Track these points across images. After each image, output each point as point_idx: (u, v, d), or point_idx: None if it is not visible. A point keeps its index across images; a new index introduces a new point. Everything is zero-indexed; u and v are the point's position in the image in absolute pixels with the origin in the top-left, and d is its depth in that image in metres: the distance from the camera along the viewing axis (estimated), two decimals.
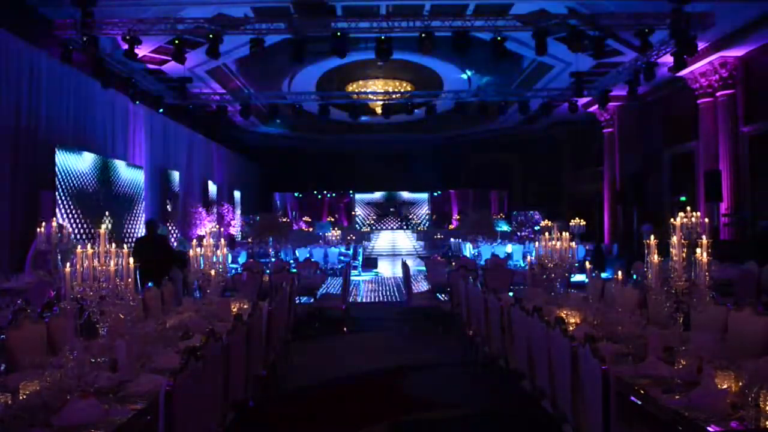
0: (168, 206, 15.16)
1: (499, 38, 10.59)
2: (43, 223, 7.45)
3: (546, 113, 16.90)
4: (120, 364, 3.23)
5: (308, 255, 14.83)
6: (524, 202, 26.85)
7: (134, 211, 12.93)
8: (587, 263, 6.55)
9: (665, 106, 16.30)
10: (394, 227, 30.48)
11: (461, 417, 5.04)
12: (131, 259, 3.92)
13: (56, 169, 9.65)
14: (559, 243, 5.77)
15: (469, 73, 15.81)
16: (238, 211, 21.95)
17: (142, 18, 10.26)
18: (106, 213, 9.94)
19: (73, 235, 8.63)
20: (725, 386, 2.69)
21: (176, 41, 10.55)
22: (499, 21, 10.47)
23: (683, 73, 13.03)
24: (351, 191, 30.71)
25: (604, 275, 8.18)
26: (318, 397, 5.69)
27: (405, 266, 9.38)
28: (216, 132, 20.59)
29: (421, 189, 30.43)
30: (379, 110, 17.87)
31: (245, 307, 5.15)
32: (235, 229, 20.18)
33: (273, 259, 13.85)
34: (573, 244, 6.02)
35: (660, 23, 10.23)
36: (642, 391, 2.91)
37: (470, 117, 18.62)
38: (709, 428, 2.41)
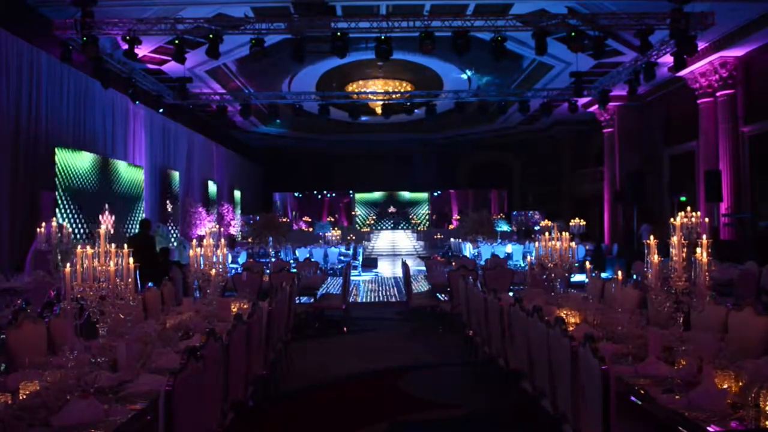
0: (168, 206, 15.15)
1: (499, 38, 10.60)
2: (43, 223, 7.47)
3: (546, 113, 16.90)
4: (120, 364, 3.23)
5: (308, 255, 14.82)
6: (524, 202, 26.87)
7: (134, 212, 12.93)
8: (587, 263, 6.53)
9: (665, 106, 16.29)
10: (394, 227, 30.47)
11: (461, 417, 5.04)
12: (131, 259, 3.92)
13: (56, 170, 9.66)
14: (559, 243, 5.77)
15: (469, 73, 15.80)
16: (238, 211, 21.94)
17: (142, 18, 10.26)
18: (106, 213, 9.94)
19: (73, 236, 8.62)
20: (725, 386, 2.69)
21: (176, 41, 10.56)
22: (499, 21, 10.48)
23: (683, 73, 13.03)
24: (351, 191, 30.70)
25: (604, 275, 8.17)
26: (318, 397, 5.69)
27: (405, 266, 9.38)
28: (216, 132, 20.59)
29: (421, 189, 30.43)
30: (379, 110, 17.86)
31: (245, 307, 5.15)
32: (235, 229, 20.18)
33: (273, 259, 13.84)
34: (573, 244, 6.02)
35: (660, 23, 10.24)
36: (642, 391, 2.90)
37: (470, 117, 18.63)
38: (709, 428, 2.40)
